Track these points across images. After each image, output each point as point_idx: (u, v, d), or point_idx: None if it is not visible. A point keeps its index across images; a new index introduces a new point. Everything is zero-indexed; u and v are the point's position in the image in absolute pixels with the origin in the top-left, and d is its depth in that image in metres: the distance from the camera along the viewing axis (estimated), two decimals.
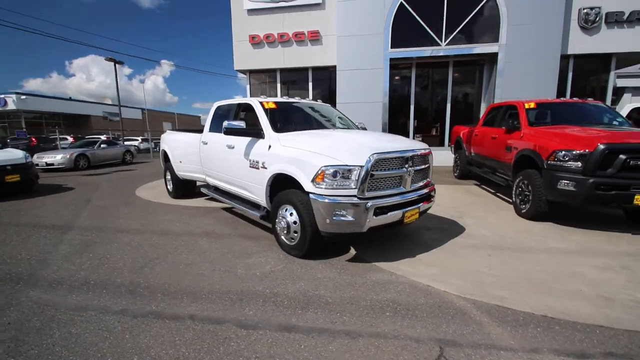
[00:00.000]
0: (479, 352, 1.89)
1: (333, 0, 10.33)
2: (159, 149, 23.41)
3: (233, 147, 4.21)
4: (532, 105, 5.41)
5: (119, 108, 25.65)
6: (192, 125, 48.14)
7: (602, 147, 3.81)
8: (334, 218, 2.89)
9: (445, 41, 9.72)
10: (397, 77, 11.06)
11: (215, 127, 4.95)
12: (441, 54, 9.87)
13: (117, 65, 24.98)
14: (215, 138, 4.76)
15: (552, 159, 4.22)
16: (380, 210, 3.00)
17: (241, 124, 3.77)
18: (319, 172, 2.91)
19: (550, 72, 9.18)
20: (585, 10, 8.90)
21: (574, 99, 5.94)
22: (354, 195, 2.91)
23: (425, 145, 3.55)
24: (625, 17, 8.75)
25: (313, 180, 2.96)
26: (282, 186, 3.50)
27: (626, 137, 4.04)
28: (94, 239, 4.00)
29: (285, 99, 4.55)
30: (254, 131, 3.79)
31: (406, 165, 3.19)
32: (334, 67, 10.77)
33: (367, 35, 10.07)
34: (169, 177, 6.50)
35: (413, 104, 10.93)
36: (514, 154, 5.14)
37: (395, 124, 10.90)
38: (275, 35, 10.99)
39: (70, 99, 36.31)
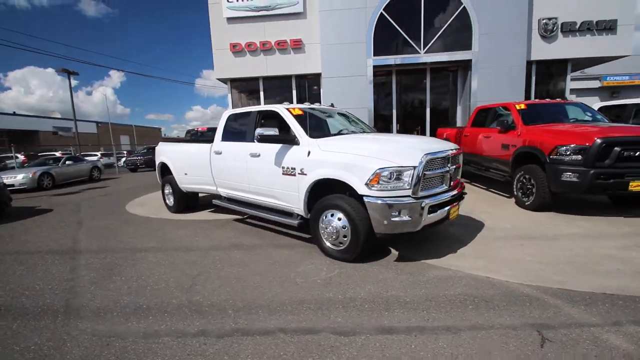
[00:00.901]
0: (574, 331, 2.03)
1: (315, 10, 10.49)
2: (125, 163, 21.70)
3: (259, 155, 4.11)
4: (523, 106, 5.90)
5: (75, 122, 23.76)
6: (154, 137, 45.70)
7: (599, 140, 4.26)
8: (392, 219, 2.94)
9: (424, 49, 10.26)
10: (379, 84, 11.43)
11: (228, 136, 4.80)
12: (420, 61, 10.40)
13: (70, 76, 23.24)
14: (232, 147, 4.61)
15: (554, 154, 4.63)
16: (431, 209, 3.10)
17: (275, 131, 3.71)
18: (374, 174, 2.95)
19: (518, 77, 10.06)
20: (544, 21, 9.90)
21: (558, 99, 6.57)
22: (409, 196, 2.98)
23: (456, 146, 3.73)
24: (577, 26, 9.86)
25: (367, 184, 3.00)
26: (320, 192, 3.50)
27: (614, 131, 4.54)
28: (115, 261, 3.67)
29: (307, 105, 4.54)
30: (290, 138, 3.74)
31: (448, 165, 3.35)
32: (318, 74, 10.91)
33: (350, 43, 10.34)
34: (167, 190, 6.14)
35: (395, 109, 11.36)
36: (512, 151, 5.55)
37: (379, 128, 11.22)
38: (258, 44, 10.90)
39: (14, 114, 32.91)
